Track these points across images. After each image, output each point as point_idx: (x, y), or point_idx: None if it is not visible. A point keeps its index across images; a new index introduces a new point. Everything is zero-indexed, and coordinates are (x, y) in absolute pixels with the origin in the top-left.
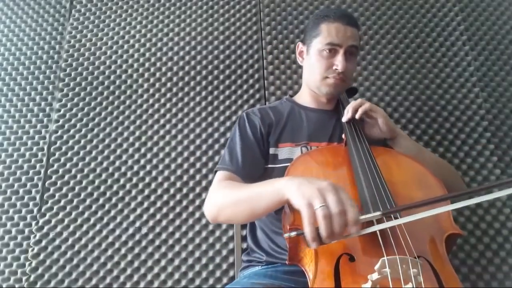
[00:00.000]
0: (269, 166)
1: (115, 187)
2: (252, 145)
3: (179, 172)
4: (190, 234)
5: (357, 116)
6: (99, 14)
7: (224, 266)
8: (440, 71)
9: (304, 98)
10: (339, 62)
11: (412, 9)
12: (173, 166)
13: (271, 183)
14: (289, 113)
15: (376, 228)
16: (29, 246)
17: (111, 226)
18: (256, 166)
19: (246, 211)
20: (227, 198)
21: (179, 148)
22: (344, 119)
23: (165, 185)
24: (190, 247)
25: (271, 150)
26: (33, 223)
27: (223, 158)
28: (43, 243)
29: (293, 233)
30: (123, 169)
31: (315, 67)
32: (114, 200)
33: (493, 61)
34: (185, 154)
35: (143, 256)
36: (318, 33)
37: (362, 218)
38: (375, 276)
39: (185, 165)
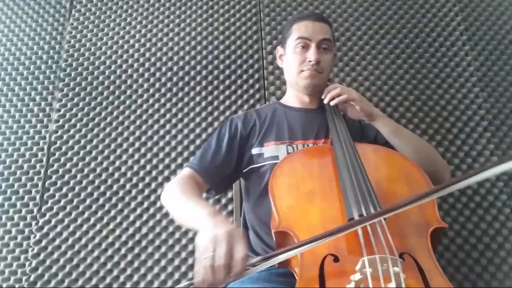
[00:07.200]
0: (255, 165)
1: (115, 187)
2: (222, 154)
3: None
4: (190, 234)
5: (332, 103)
6: (99, 14)
7: None
8: (440, 71)
9: (289, 99)
10: (311, 54)
11: (412, 9)
12: (173, 166)
13: (201, 211)
14: (273, 114)
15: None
16: (29, 246)
17: (111, 226)
18: (222, 173)
19: (180, 221)
20: (172, 202)
21: (179, 148)
22: (325, 101)
23: (165, 185)
24: (190, 247)
25: (256, 150)
26: (33, 223)
27: (195, 156)
28: (43, 243)
29: (186, 284)
30: (123, 169)
31: (291, 63)
32: (114, 200)
33: (493, 61)
34: (185, 154)
35: (143, 256)
36: (290, 33)
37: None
38: (357, 276)
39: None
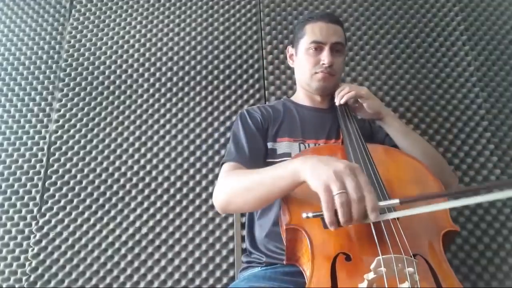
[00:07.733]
0: (268, 160)
1: (115, 187)
2: (256, 137)
3: (179, 172)
4: (190, 234)
5: (342, 102)
6: (99, 14)
7: (224, 266)
8: (440, 71)
9: (300, 97)
10: (325, 57)
11: (412, 9)
12: (173, 166)
13: (284, 165)
14: (285, 110)
15: (391, 216)
16: (29, 246)
17: (111, 226)
18: (261, 156)
19: (260, 196)
20: (239, 185)
21: (179, 148)
22: (337, 103)
23: (165, 185)
24: (190, 247)
25: (270, 145)
26: (33, 223)
27: (228, 151)
28: (43, 243)
29: (311, 214)
30: (123, 169)
31: (303, 65)
32: (114, 200)
33: (493, 61)
34: (185, 154)
35: (143, 256)
36: (304, 33)
37: (381, 204)
38: (371, 275)
39: (185, 165)
